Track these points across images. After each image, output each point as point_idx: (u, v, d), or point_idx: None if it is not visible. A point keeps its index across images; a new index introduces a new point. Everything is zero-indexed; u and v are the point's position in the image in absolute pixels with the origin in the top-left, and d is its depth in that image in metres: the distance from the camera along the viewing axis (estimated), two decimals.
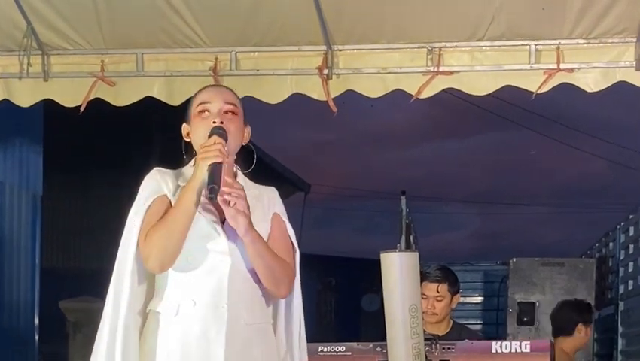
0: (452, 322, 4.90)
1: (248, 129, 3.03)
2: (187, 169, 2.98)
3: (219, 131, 2.87)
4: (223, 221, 2.91)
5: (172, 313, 2.89)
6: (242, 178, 3.02)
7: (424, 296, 4.78)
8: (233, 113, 2.95)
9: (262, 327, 2.96)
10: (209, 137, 2.86)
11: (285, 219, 3.03)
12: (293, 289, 3.01)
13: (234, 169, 3.02)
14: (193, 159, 2.94)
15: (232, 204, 2.81)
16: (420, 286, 4.73)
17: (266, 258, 2.91)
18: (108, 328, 2.90)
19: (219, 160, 2.79)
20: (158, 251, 2.85)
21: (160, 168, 2.95)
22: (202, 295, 2.88)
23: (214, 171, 2.78)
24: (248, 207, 2.83)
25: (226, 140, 2.87)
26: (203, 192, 2.83)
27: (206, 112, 2.94)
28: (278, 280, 2.95)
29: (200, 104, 2.96)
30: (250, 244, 2.86)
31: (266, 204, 3.01)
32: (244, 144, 3.01)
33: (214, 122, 2.90)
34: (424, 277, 4.83)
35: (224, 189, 2.79)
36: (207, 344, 2.86)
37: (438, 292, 4.81)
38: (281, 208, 3.04)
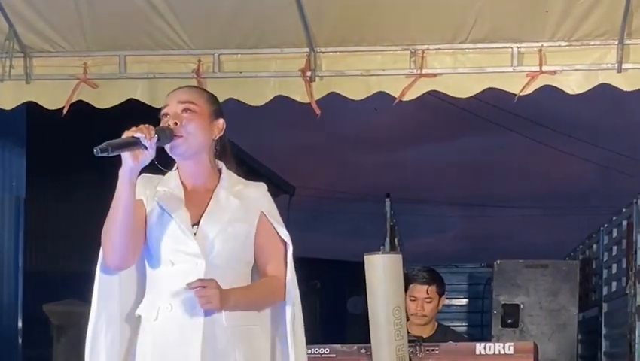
0: (437, 324, 4.91)
1: (220, 122, 3.01)
2: (169, 174, 2.99)
3: (161, 129, 2.87)
4: (197, 223, 2.91)
5: (153, 318, 2.90)
6: (226, 173, 3.01)
7: (413, 298, 4.78)
8: (191, 110, 2.94)
9: (245, 329, 2.92)
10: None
11: (272, 217, 2.99)
12: (285, 292, 2.98)
13: (217, 164, 3.01)
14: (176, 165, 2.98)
15: (203, 305, 2.82)
16: (408, 288, 4.75)
17: (254, 303, 2.94)
18: (90, 331, 2.92)
19: (137, 135, 2.76)
20: (107, 246, 2.86)
21: (146, 174, 2.94)
22: (178, 298, 2.87)
23: (125, 139, 2.75)
24: (220, 295, 2.81)
25: (169, 138, 2.86)
26: (159, 188, 2.87)
27: (166, 116, 2.95)
28: (272, 303, 2.99)
29: (162, 108, 2.99)
30: (233, 309, 2.87)
31: (250, 203, 2.97)
32: (215, 138, 2.99)
33: (168, 125, 2.91)
34: (412, 279, 4.84)
35: (196, 287, 2.79)
36: (184, 348, 2.85)
37: (428, 293, 4.82)
38: (269, 206, 3.01)
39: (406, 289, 4.80)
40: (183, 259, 2.88)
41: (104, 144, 2.70)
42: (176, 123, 2.90)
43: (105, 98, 5.00)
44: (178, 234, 2.89)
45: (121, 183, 2.81)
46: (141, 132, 2.77)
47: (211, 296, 2.80)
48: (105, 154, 2.71)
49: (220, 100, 4.84)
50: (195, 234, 2.89)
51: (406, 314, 4.85)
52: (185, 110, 2.93)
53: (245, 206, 2.96)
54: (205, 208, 2.94)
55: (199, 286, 2.80)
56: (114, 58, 4.95)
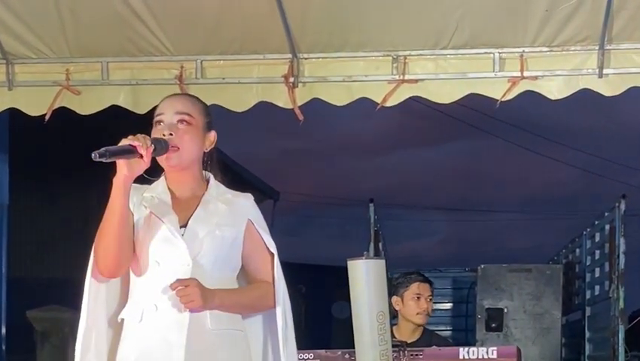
0: (422, 328, 4.92)
1: (212, 135, 3.02)
2: (156, 182, 3.01)
3: (157, 140, 2.88)
4: (184, 226, 2.92)
5: (137, 320, 2.90)
6: (214, 183, 3.03)
7: (417, 296, 4.82)
8: (187, 122, 2.94)
9: (230, 333, 2.92)
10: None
11: (259, 226, 3.00)
12: (275, 298, 2.99)
13: (205, 175, 3.03)
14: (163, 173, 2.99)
15: (186, 303, 2.82)
16: (408, 289, 4.80)
17: (241, 305, 2.95)
18: (80, 336, 2.93)
19: (134, 143, 2.78)
20: (102, 255, 2.87)
21: (135, 184, 2.92)
22: (164, 299, 2.87)
23: (122, 147, 2.77)
24: (201, 293, 2.82)
25: (164, 149, 2.87)
26: (146, 194, 2.85)
27: (161, 124, 2.95)
28: (262, 307, 2.99)
29: (156, 115, 2.99)
30: (219, 308, 2.88)
31: (238, 210, 2.99)
32: (206, 150, 3.01)
33: (163, 135, 2.91)
34: (413, 278, 4.89)
35: (174, 285, 2.81)
36: (169, 349, 2.85)
37: (431, 292, 4.89)
38: (256, 215, 3.02)
39: (395, 293, 4.83)
40: (170, 260, 2.88)
41: (102, 149, 2.71)
42: (171, 134, 2.91)
43: (87, 105, 4.99)
44: (166, 235, 2.90)
45: (116, 191, 2.82)
46: (139, 141, 2.78)
47: (192, 294, 2.81)
48: (103, 159, 2.72)
49: None
50: (183, 235, 2.90)
51: (398, 317, 4.88)
52: (181, 121, 2.94)
53: (232, 212, 2.98)
54: (194, 212, 2.95)
55: (180, 286, 2.81)
56: (96, 64, 4.94)
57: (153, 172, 2.97)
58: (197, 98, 3.12)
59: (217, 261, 2.92)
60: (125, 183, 2.81)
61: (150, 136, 2.89)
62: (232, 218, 2.97)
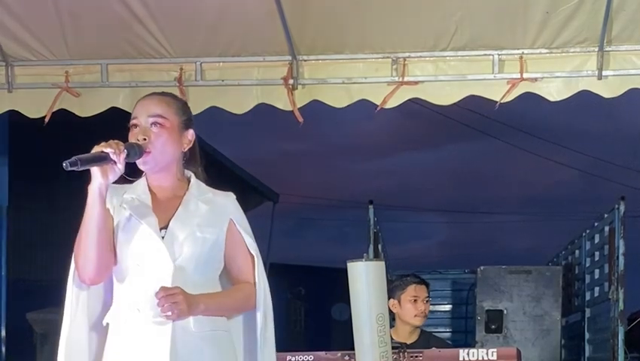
0: (420, 330, 4.92)
1: (189, 133, 2.98)
2: (137, 182, 2.98)
3: (130, 145, 2.86)
4: (165, 227, 2.89)
5: (120, 324, 2.89)
6: (195, 182, 3.01)
7: (414, 298, 4.81)
8: (160, 125, 2.91)
9: (214, 335, 2.90)
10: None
11: (241, 226, 2.98)
12: (255, 302, 2.98)
13: (186, 173, 3.01)
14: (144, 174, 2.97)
15: (170, 313, 2.80)
16: (404, 291, 4.79)
17: (225, 308, 2.94)
18: (62, 343, 2.92)
19: (106, 150, 2.76)
20: (81, 262, 2.85)
21: (112, 184, 2.89)
22: (146, 302, 2.84)
23: (94, 155, 2.75)
24: (185, 299, 2.81)
25: (138, 154, 2.84)
26: (126, 196, 2.85)
27: (136, 128, 2.93)
28: (245, 309, 2.99)
29: (132, 119, 2.97)
30: (203, 314, 2.86)
31: (219, 210, 2.96)
32: (184, 150, 2.98)
33: (138, 140, 2.89)
34: (409, 281, 4.88)
35: (159, 295, 2.78)
36: (152, 352, 2.83)
37: (428, 294, 4.89)
38: (238, 215, 2.99)
39: (392, 296, 4.82)
40: (151, 263, 2.86)
41: (73, 158, 2.70)
42: (145, 139, 2.89)
43: (87, 107, 5.00)
44: (145, 236, 2.87)
45: (91, 199, 2.80)
46: (111, 148, 2.76)
47: (178, 303, 2.79)
48: (75, 168, 2.70)
49: (203, 108, 4.90)
50: (163, 237, 2.87)
51: (395, 319, 4.88)
52: (154, 124, 2.91)
53: (214, 212, 2.95)
54: (174, 213, 2.92)
55: (164, 296, 2.78)
56: (95, 66, 4.95)
57: (134, 172, 2.95)
58: (173, 96, 3.09)
59: (199, 263, 2.89)
60: (100, 190, 2.79)
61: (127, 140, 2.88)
62: (213, 218, 2.94)
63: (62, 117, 5.02)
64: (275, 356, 3.03)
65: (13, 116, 5.19)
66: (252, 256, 2.98)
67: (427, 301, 4.87)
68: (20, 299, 9.11)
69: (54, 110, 4.96)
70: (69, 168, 2.69)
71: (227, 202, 3.00)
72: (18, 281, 9.83)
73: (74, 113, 5.02)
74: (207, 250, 2.91)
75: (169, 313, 2.80)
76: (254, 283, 2.97)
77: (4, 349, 9.02)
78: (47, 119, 4.98)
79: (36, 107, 5.00)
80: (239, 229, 2.96)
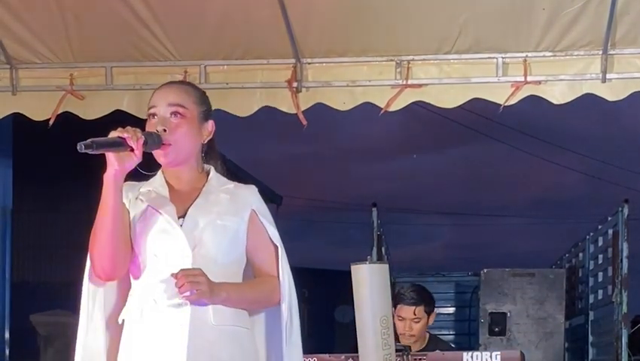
0: (428, 335, 4.89)
1: (209, 124, 2.87)
2: (153, 177, 2.87)
3: (149, 133, 2.74)
4: (183, 216, 2.77)
5: (136, 318, 2.77)
6: (214, 175, 2.88)
7: (400, 318, 4.76)
8: (181, 115, 2.79)
9: (234, 330, 2.76)
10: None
11: (264, 217, 2.84)
12: (280, 294, 2.82)
13: (205, 167, 2.90)
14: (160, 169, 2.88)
15: (193, 293, 2.65)
16: (396, 307, 4.73)
17: (248, 300, 2.79)
18: (80, 341, 2.83)
19: (123, 135, 2.63)
20: (98, 257, 2.72)
21: (128, 182, 2.80)
22: (163, 294, 2.71)
23: (110, 139, 2.63)
24: (208, 281, 2.67)
25: (157, 144, 2.72)
26: (142, 189, 2.78)
27: (154, 117, 2.80)
28: (268, 303, 2.84)
29: (149, 108, 2.82)
30: (225, 303, 2.73)
31: (239, 199, 2.83)
32: (204, 141, 2.86)
33: (157, 130, 2.75)
34: (399, 299, 4.81)
35: (178, 275, 2.64)
36: (170, 345, 2.70)
37: (415, 314, 4.79)
38: (260, 206, 2.85)
39: (393, 305, 4.81)
40: (168, 252, 2.73)
41: (88, 141, 2.56)
42: (165, 130, 2.75)
43: (91, 110, 5.00)
44: (163, 226, 2.74)
45: (107, 188, 2.67)
46: (128, 133, 2.63)
47: (199, 283, 2.63)
48: (89, 150, 2.57)
49: None
50: (182, 226, 2.75)
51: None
52: (174, 113, 2.78)
53: (235, 202, 2.82)
54: (193, 203, 2.80)
55: (183, 275, 2.63)
56: (100, 69, 4.95)
57: (149, 167, 2.82)
58: (193, 85, 2.95)
59: (219, 252, 2.75)
60: (116, 178, 2.66)
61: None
62: (234, 207, 2.81)
63: (65, 120, 5.03)
64: (301, 351, 2.88)
65: (18, 119, 5.19)
66: (276, 247, 2.84)
67: (416, 321, 4.77)
68: (24, 301, 9.13)
69: (58, 112, 4.97)
70: (83, 150, 2.56)
71: (249, 193, 2.86)
72: (22, 283, 9.85)
73: (78, 116, 5.03)
74: (228, 240, 2.77)
75: (188, 293, 2.65)
76: (278, 275, 2.82)
77: (7, 351, 9.03)
78: (51, 122, 4.99)
79: (40, 109, 5.00)
80: (261, 220, 2.83)
